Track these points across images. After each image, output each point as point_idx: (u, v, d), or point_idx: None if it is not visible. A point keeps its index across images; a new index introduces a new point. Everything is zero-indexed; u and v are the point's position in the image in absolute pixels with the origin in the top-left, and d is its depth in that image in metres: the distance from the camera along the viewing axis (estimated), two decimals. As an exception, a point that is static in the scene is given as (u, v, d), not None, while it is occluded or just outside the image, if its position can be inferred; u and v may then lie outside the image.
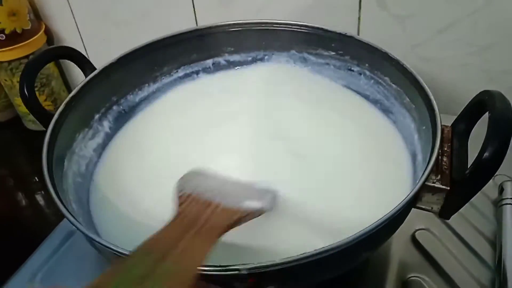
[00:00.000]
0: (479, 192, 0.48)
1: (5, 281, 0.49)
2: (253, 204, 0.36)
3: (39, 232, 0.57)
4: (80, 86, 0.45)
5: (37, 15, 0.80)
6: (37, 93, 0.82)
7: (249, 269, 0.29)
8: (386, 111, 0.50)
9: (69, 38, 0.82)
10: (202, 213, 0.34)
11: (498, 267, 0.42)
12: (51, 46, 0.46)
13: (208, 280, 0.30)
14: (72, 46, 0.49)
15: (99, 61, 0.48)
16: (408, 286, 0.42)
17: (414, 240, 0.46)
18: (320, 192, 0.41)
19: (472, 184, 0.34)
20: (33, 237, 0.58)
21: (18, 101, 0.81)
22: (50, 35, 0.82)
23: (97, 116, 0.48)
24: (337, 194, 0.41)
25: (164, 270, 0.27)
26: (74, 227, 0.33)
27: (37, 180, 0.75)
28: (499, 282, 0.41)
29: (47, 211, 0.69)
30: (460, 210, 0.46)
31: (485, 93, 0.35)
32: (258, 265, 0.29)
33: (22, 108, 0.82)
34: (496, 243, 0.44)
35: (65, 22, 0.79)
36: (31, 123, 0.84)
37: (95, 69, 0.48)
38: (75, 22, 0.78)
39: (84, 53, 0.80)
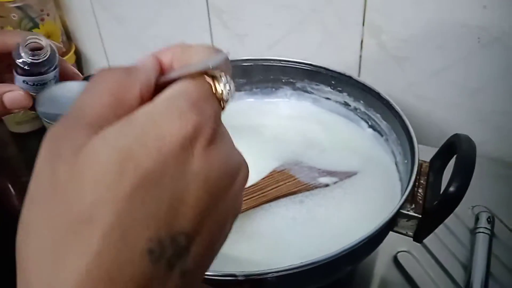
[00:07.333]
0: (459, 221, 0.54)
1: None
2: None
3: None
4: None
5: (68, 37, 0.88)
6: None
7: (245, 275, 0.35)
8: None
9: (96, 59, 0.89)
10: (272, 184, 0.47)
11: (468, 288, 0.47)
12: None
13: (211, 283, 0.36)
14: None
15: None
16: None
17: (396, 261, 0.51)
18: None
19: (440, 213, 0.39)
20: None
21: (46, 114, 0.88)
22: (78, 56, 0.90)
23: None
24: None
25: None
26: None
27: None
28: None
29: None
30: (440, 236, 0.52)
31: (456, 136, 0.41)
32: (253, 272, 0.35)
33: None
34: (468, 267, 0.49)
35: (93, 44, 0.87)
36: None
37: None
38: (103, 45, 0.86)
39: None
